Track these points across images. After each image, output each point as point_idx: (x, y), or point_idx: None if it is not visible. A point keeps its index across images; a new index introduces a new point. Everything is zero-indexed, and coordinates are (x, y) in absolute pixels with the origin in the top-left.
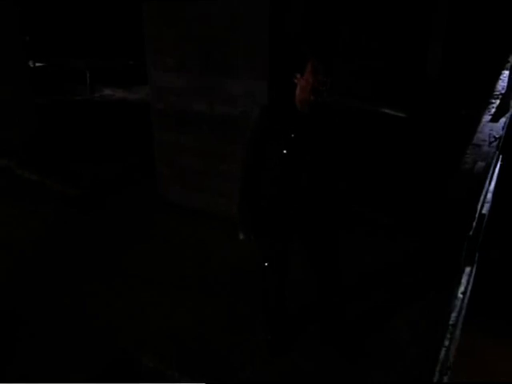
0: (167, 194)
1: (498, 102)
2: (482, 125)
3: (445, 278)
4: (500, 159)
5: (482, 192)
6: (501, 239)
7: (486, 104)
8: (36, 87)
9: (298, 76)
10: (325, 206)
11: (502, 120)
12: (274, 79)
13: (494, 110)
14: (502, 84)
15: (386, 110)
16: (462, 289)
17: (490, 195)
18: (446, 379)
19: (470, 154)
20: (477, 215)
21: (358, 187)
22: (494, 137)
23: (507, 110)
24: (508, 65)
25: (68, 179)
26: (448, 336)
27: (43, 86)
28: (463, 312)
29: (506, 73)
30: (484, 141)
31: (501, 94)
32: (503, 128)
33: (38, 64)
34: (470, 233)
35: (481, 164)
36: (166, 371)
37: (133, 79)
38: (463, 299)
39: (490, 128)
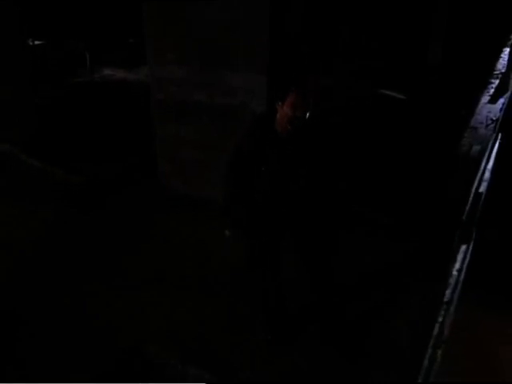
0: (169, 185)
1: (497, 81)
2: (480, 106)
3: (439, 268)
4: (499, 137)
5: (475, 177)
6: (500, 218)
7: (486, 84)
8: (36, 69)
9: (279, 104)
10: (318, 206)
11: (501, 101)
12: (273, 74)
13: (493, 91)
14: (502, 62)
15: (387, 92)
16: (457, 266)
17: (487, 173)
18: (439, 353)
19: (466, 137)
20: (471, 197)
21: (357, 186)
22: (491, 119)
23: (506, 90)
24: (509, 42)
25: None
26: (442, 312)
27: (44, 67)
28: (459, 288)
29: (507, 51)
30: (481, 123)
31: (501, 73)
32: (501, 110)
33: (37, 42)
34: (463, 217)
35: (476, 148)
36: (167, 369)
37: (133, 59)
38: (458, 276)
39: (488, 110)
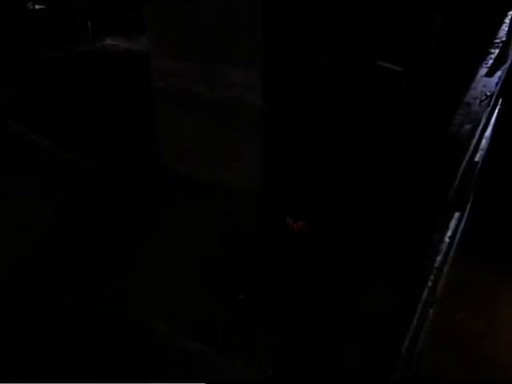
0: (171, 167)
1: (497, 51)
2: (476, 80)
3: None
4: (499, 103)
5: (464, 158)
6: (499, 186)
7: (484, 54)
8: (38, 35)
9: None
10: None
11: (498, 74)
12: (271, 72)
13: (491, 62)
14: (504, 29)
15: (384, 64)
16: (449, 233)
17: (484, 142)
18: (431, 312)
19: (459, 114)
20: (464, 167)
21: (357, 182)
22: (486, 95)
23: (505, 62)
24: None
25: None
26: (431, 278)
27: (46, 33)
28: (452, 252)
29: (509, 17)
30: (475, 99)
31: (501, 41)
32: (497, 84)
33: (37, 6)
34: (453, 189)
35: (467, 127)
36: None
37: (133, 26)
38: (451, 242)
39: (484, 83)
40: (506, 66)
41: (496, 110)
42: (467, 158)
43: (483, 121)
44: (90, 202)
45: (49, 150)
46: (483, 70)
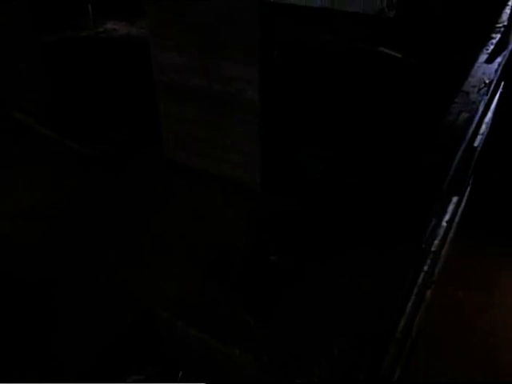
0: (173, 156)
1: (498, 36)
2: (475, 67)
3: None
4: (501, 86)
5: (459, 148)
6: (499, 166)
7: (485, 40)
8: (40, 18)
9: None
10: None
11: (497, 60)
12: (266, 68)
13: (492, 47)
14: (506, 13)
15: (384, 50)
16: (447, 217)
17: (484, 127)
18: (428, 293)
19: (457, 102)
20: (462, 152)
21: (345, 154)
22: (485, 82)
23: (505, 47)
24: None
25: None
26: (428, 261)
27: (47, 16)
28: (451, 234)
29: None
30: (474, 87)
31: (503, 26)
32: (496, 71)
33: None
34: (444, 186)
35: (464, 115)
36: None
37: (134, 10)
38: (449, 226)
39: (483, 71)
40: (508, 51)
41: (497, 96)
42: (465, 143)
43: (481, 109)
44: (97, 186)
45: (54, 139)
46: (483, 57)
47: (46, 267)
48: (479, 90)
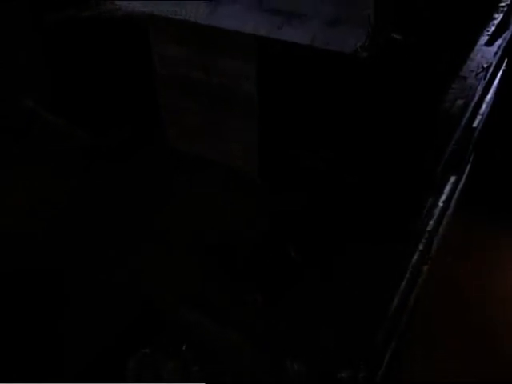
0: (175, 146)
1: (500, 16)
2: (475, 50)
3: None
4: (504, 64)
5: (453, 135)
6: (501, 142)
7: (486, 20)
8: None
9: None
10: None
11: (498, 43)
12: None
13: (493, 29)
14: None
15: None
16: (443, 198)
17: (484, 106)
18: (425, 268)
19: (454, 88)
20: (461, 133)
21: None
22: (483, 67)
23: (507, 28)
24: None
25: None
26: (423, 241)
27: None
28: (449, 212)
29: None
30: (472, 71)
31: (506, 5)
32: (496, 54)
33: None
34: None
35: (459, 102)
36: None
37: None
38: (445, 206)
39: (483, 54)
40: (510, 32)
41: (498, 76)
42: (460, 130)
43: (478, 94)
44: (97, 186)
45: (60, 127)
46: (483, 39)
47: (46, 267)
48: (477, 74)
